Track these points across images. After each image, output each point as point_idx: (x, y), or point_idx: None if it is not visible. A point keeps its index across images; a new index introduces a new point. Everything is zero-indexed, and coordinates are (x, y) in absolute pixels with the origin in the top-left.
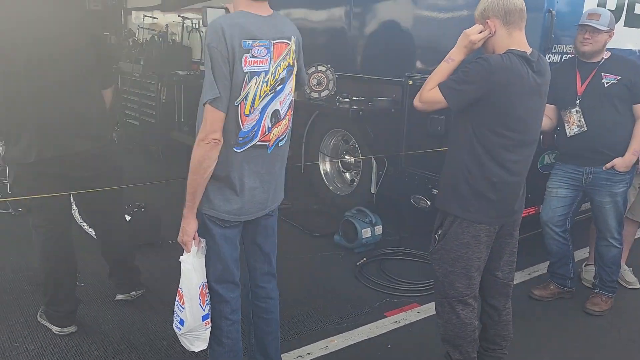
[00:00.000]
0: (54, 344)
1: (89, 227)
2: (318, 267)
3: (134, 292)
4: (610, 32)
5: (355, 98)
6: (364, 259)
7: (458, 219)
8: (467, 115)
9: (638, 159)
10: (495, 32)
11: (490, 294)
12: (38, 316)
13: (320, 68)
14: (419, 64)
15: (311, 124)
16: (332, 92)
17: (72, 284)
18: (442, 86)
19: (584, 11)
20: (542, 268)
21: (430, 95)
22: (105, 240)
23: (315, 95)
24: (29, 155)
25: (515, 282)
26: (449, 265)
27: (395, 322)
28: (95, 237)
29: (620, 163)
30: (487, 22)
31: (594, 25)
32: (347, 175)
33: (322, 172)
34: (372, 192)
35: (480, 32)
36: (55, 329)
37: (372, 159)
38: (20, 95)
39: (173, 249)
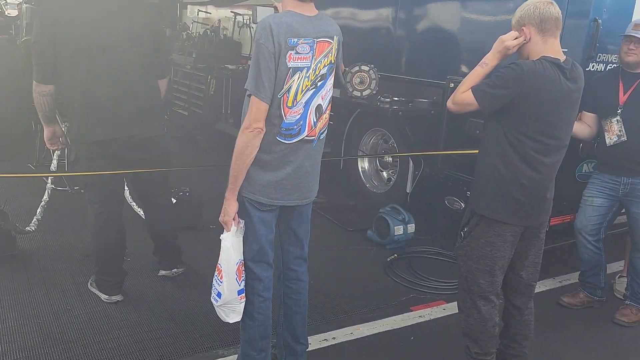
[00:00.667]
0: (102, 309)
1: (138, 207)
2: (350, 259)
3: (175, 270)
4: None
5: (396, 98)
6: (395, 255)
7: (485, 218)
8: (499, 119)
9: None
10: (530, 39)
11: (513, 294)
12: (89, 284)
13: (363, 67)
14: (461, 67)
15: (352, 122)
16: (374, 92)
17: (120, 256)
18: (474, 89)
19: (632, 21)
20: (574, 277)
21: (462, 97)
22: (152, 219)
23: (357, 94)
24: (91, 136)
25: (545, 289)
26: (473, 262)
27: (421, 316)
28: (143, 216)
29: None
30: (523, 29)
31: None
32: (384, 174)
33: (360, 169)
34: (408, 191)
35: (516, 38)
36: (103, 296)
37: (410, 159)
38: (85, 79)
39: (213, 233)
